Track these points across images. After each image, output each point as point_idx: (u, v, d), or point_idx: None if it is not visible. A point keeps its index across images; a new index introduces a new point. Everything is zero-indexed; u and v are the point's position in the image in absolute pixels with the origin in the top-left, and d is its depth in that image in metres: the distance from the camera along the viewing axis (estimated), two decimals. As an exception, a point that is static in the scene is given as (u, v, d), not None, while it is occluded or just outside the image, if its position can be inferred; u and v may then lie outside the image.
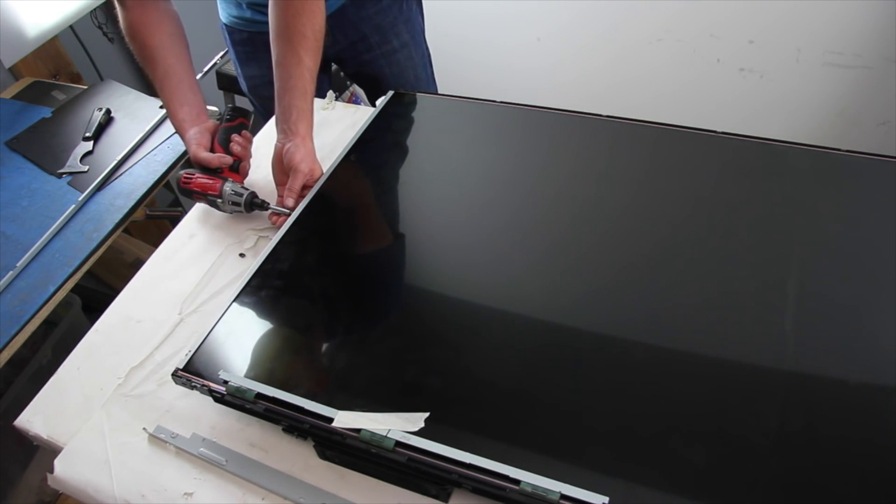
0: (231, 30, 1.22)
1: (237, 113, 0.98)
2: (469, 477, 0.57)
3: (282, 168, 0.92)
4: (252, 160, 0.99)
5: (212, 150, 0.95)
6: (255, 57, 1.22)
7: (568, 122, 0.98)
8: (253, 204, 0.92)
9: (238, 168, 0.95)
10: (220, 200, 0.92)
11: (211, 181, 0.92)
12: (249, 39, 1.21)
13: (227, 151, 0.95)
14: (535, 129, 0.99)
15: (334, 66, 1.36)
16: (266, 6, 0.92)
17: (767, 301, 0.71)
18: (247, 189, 0.92)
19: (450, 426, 0.61)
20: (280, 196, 0.92)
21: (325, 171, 0.93)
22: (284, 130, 0.91)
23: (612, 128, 0.95)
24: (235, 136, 0.95)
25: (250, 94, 1.33)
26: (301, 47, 0.89)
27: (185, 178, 0.93)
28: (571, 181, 0.90)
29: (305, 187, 0.91)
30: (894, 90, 1.70)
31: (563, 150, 0.96)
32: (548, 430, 0.62)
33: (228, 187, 0.91)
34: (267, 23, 0.92)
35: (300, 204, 0.88)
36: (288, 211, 0.89)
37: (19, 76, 1.46)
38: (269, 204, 0.92)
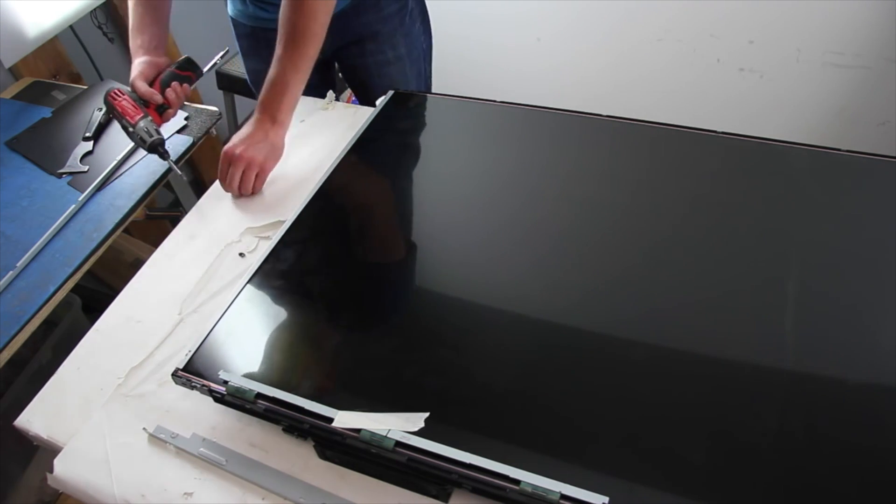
0: (236, 23, 1.25)
1: (190, 66, 1.02)
2: (469, 477, 0.57)
3: None
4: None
5: (151, 86, 1.00)
6: (257, 52, 1.24)
7: (568, 122, 0.98)
8: (155, 149, 0.98)
9: (163, 113, 1.00)
10: (131, 129, 0.96)
11: (133, 109, 0.96)
12: (252, 34, 1.23)
13: (164, 94, 1.00)
14: (535, 130, 0.99)
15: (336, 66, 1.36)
16: (268, 3, 0.93)
17: (767, 301, 0.71)
18: (159, 133, 0.97)
19: (450, 426, 0.61)
20: None
21: (324, 171, 0.93)
22: None
23: (613, 128, 0.95)
24: (175, 84, 1.00)
25: (253, 86, 1.34)
26: (289, 41, 0.94)
27: (115, 94, 0.97)
28: (571, 181, 0.90)
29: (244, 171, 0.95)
30: (894, 90, 1.70)
31: (564, 150, 0.96)
32: (548, 431, 0.62)
33: (144, 123, 0.96)
34: (268, 19, 0.94)
35: (300, 204, 0.88)
36: (175, 167, 1.01)
37: (19, 76, 1.46)
38: (169, 156, 0.99)
